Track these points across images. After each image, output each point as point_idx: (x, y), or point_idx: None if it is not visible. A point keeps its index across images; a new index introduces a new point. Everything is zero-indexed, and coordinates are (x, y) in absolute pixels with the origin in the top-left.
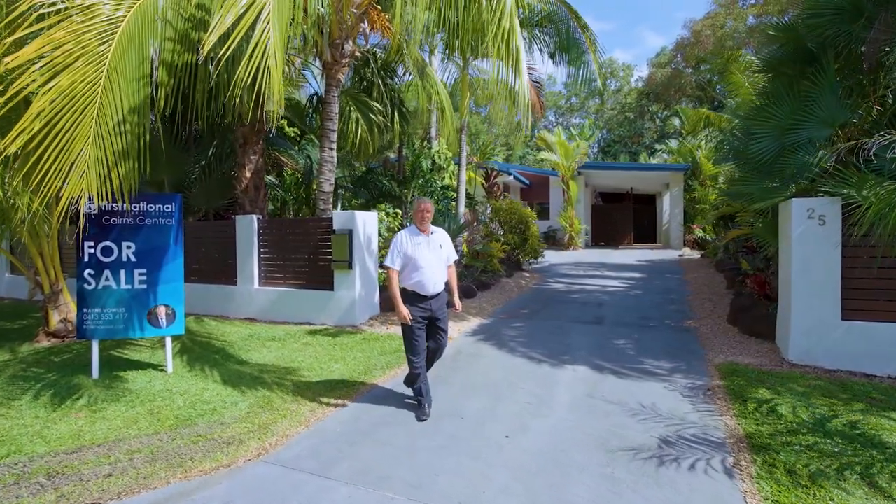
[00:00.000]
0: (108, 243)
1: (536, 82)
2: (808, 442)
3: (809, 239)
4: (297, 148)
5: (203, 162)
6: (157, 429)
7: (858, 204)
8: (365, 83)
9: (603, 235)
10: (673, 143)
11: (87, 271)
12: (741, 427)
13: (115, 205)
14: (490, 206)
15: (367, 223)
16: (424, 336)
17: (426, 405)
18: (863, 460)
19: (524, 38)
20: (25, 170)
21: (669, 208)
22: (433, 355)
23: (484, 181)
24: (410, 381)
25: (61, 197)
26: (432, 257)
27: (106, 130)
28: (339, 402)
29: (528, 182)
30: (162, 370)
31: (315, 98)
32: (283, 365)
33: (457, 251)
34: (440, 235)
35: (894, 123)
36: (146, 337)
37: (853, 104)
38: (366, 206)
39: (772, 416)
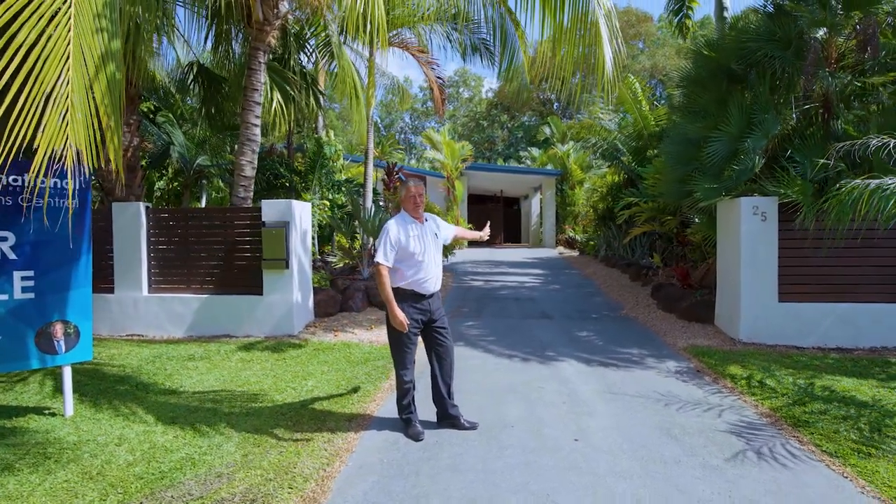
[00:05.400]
0: None
1: (439, 78)
2: (819, 409)
3: (755, 233)
4: (156, 127)
5: None
6: (121, 499)
7: (790, 201)
8: (274, 56)
9: None
10: (535, 151)
11: None
12: (761, 403)
13: None
14: (392, 202)
15: (303, 215)
16: (417, 344)
17: (417, 422)
18: (868, 419)
19: (427, 30)
20: None
21: (541, 210)
22: (444, 367)
23: (386, 176)
24: (401, 397)
25: (35, 150)
26: (431, 249)
27: (88, 49)
28: (352, 425)
29: (405, 180)
30: (55, 414)
31: (195, 66)
32: (237, 389)
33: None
34: (433, 222)
35: (804, 136)
36: (32, 368)
37: (780, 119)
38: (254, 199)
39: (769, 389)
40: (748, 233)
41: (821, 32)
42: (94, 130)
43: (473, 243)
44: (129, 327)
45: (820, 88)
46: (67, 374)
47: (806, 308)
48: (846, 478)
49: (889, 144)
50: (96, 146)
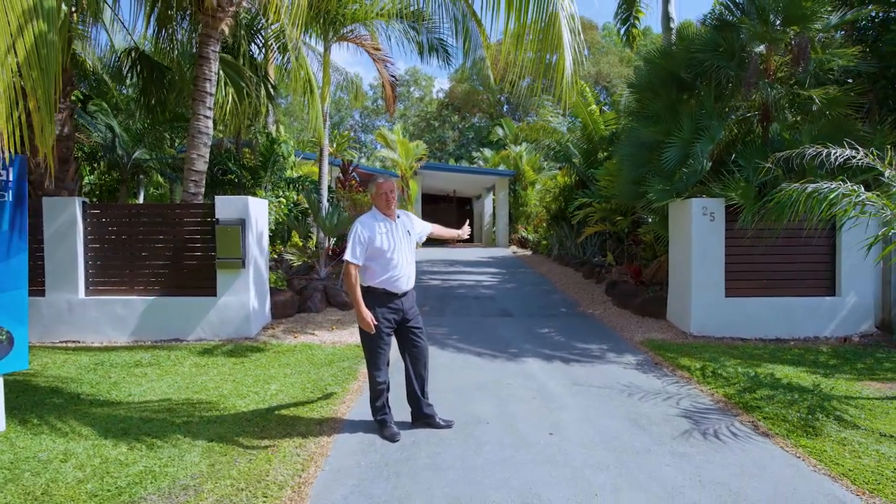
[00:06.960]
0: None
1: (392, 76)
2: (766, 394)
3: (704, 233)
4: (90, 117)
5: None
6: None
7: (735, 203)
8: (224, 46)
9: None
10: (488, 152)
11: None
12: (715, 391)
13: None
14: (348, 201)
15: (259, 213)
16: (391, 344)
17: (392, 423)
18: (810, 402)
19: (384, 27)
20: None
21: (494, 210)
22: (419, 367)
23: (342, 174)
24: (374, 399)
25: None
26: (404, 247)
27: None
28: (324, 428)
29: (358, 178)
30: None
31: (133, 53)
32: (193, 396)
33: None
34: (406, 218)
35: (745, 142)
36: None
37: (723, 126)
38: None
39: (721, 378)
40: (699, 232)
41: (761, 47)
42: (18, 110)
43: (429, 242)
44: (64, 333)
45: (760, 98)
46: None
47: (749, 302)
48: (799, 458)
49: (822, 154)
50: (22, 130)
